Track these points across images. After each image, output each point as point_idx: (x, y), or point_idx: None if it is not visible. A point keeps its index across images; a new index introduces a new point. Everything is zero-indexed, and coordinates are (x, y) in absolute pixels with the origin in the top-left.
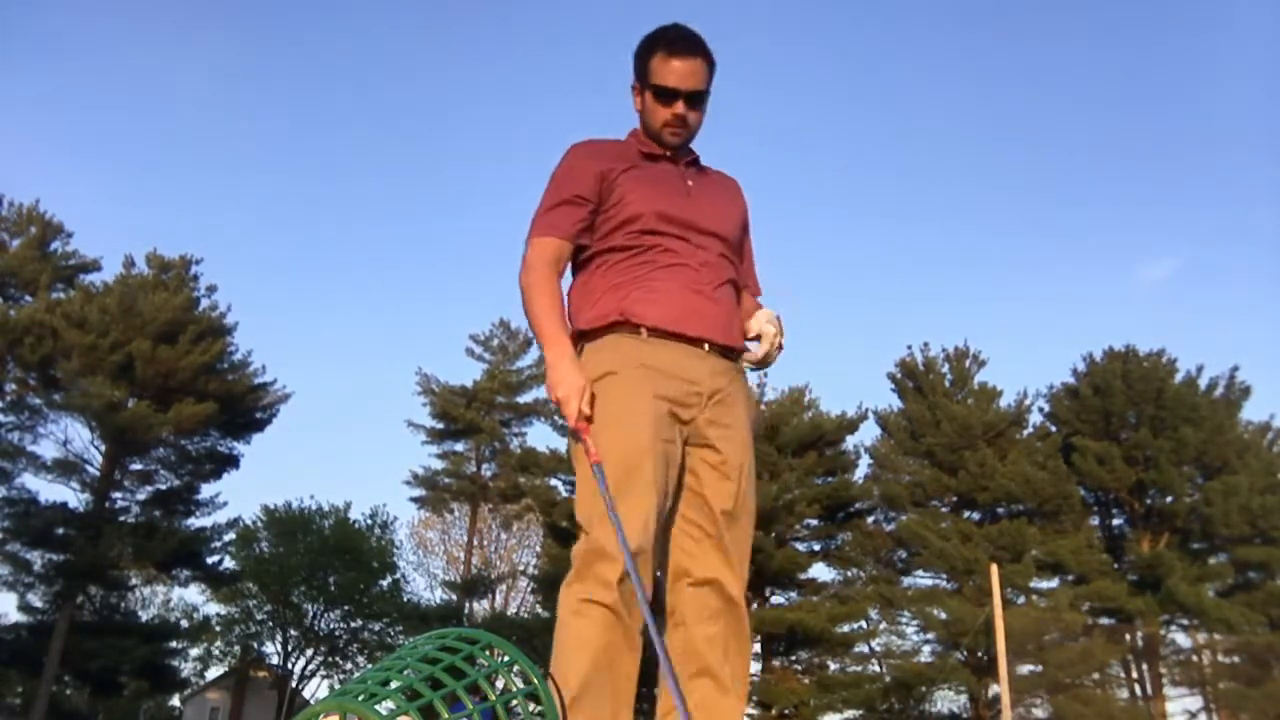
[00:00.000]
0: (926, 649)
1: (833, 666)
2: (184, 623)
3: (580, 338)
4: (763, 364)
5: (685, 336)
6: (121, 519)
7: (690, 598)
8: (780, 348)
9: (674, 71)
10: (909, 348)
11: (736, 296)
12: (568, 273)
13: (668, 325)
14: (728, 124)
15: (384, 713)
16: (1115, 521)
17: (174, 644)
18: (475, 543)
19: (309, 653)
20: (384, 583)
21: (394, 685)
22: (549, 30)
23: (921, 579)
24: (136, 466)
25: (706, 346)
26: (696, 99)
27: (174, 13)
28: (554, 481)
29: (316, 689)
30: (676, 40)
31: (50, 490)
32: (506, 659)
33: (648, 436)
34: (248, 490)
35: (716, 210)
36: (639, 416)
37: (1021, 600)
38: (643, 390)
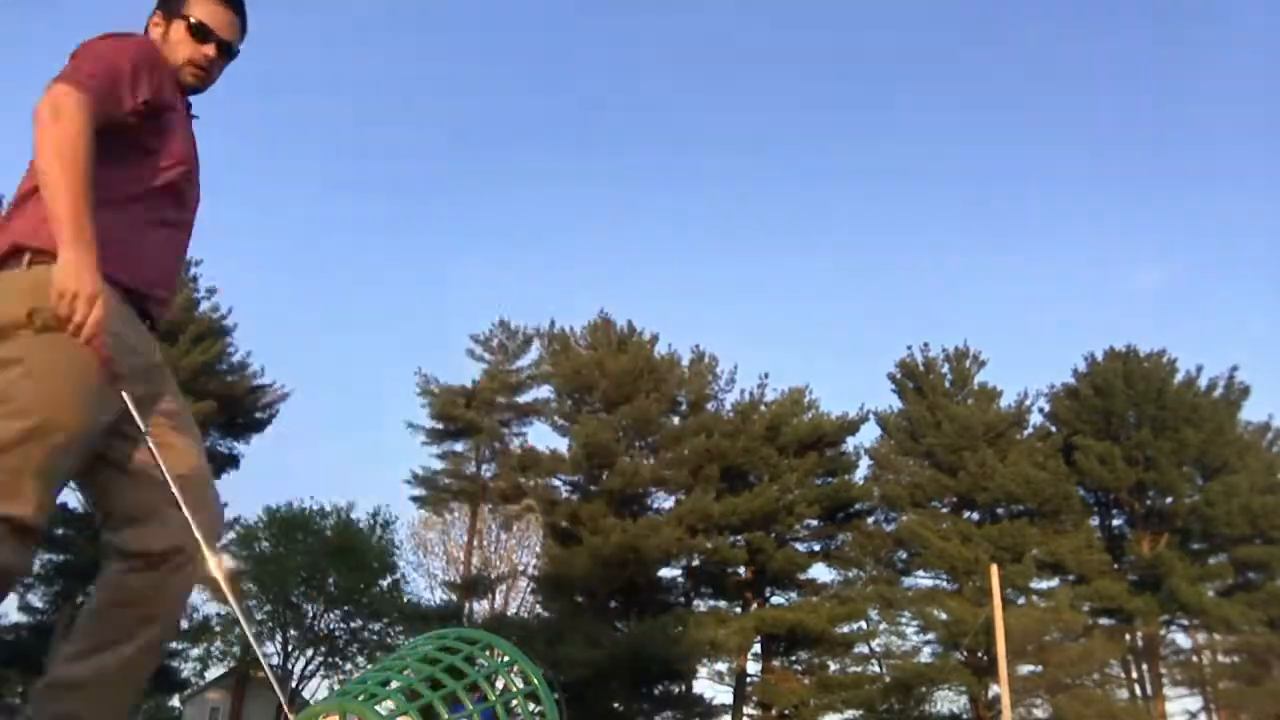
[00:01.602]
0: (926, 649)
1: (833, 667)
2: (183, 623)
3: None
4: None
5: (137, 290)
6: None
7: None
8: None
9: (217, 15)
10: (909, 348)
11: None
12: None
13: (143, 287)
14: (729, 124)
15: (384, 713)
16: (1115, 521)
17: (174, 644)
18: (475, 543)
19: (309, 653)
20: (384, 583)
21: (394, 686)
22: (548, 26)
23: (922, 579)
24: None
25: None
26: (228, 51)
27: None
28: (554, 482)
29: (316, 689)
30: None
31: None
32: (506, 659)
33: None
34: (248, 490)
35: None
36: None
37: (1022, 600)
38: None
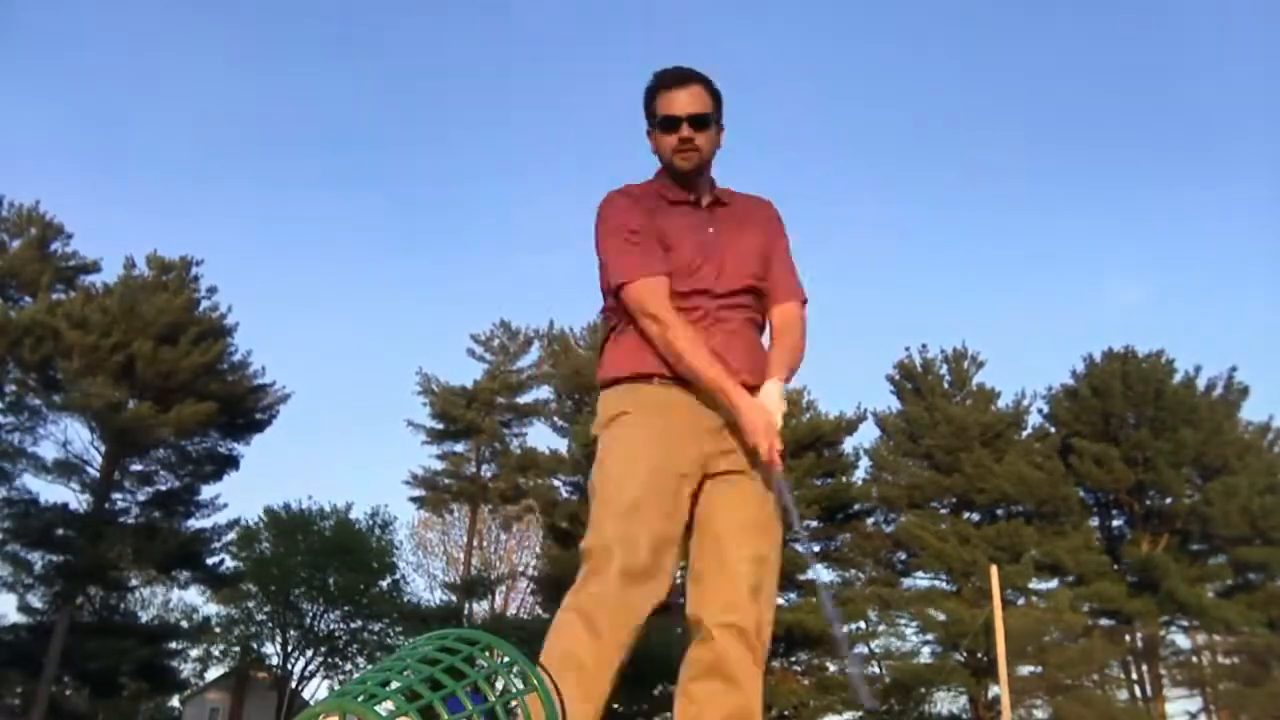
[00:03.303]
0: (926, 650)
1: (832, 668)
2: (184, 624)
3: (602, 386)
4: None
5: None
6: (122, 520)
7: (695, 641)
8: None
9: (672, 100)
10: (907, 349)
11: (758, 333)
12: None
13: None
14: (728, 124)
15: (384, 714)
16: (1115, 522)
17: (174, 645)
18: (475, 543)
19: (309, 653)
20: (384, 583)
21: (394, 686)
22: (549, 30)
23: (920, 580)
24: (137, 467)
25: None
26: (699, 121)
27: (175, 12)
28: (554, 482)
29: (316, 690)
30: (671, 74)
31: (50, 491)
32: (506, 660)
33: (648, 470)
34: (248, 491)
35: (740, 254)
36: (645, 448)
37: (1021, 601)
38: (652, 426)
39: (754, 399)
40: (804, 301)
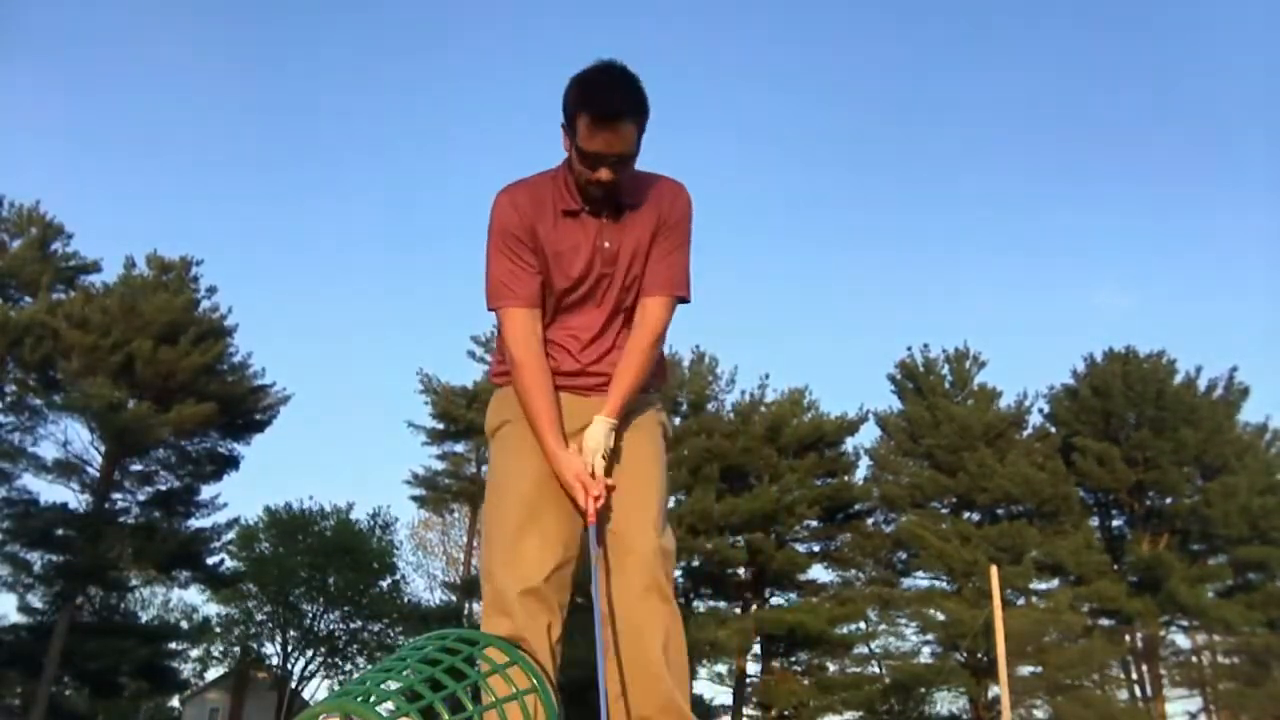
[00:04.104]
0: (926, 650)
1: (832, 668)
2: (184, 624)
3: (493, 387)
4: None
5: (563, 373)
6: (121, 520)
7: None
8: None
9: (598, 138)
10: (909, 349)
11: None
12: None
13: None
14: (728, 126)
15: (384, 714)
16: (1115, 522)
17: (174, 645)
18: (475, 544)
19: (309, 653)
20: (384, 584)
21: (394, 686)
22: (554, 30)
23: (921, 580)
24: (137, 467)
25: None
26: (623, 162)
27: (175, 13)
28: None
29: (316, 690)
30: (602, 104)
31: (50, 491)
32: (506, 660)
33: (535, 477)
34: (248, 491)
35: (629, 266)
36: (528, 459)
37: (1021, 601)
38: (528, 436)
39: (567, 454)
40: (676, 297)
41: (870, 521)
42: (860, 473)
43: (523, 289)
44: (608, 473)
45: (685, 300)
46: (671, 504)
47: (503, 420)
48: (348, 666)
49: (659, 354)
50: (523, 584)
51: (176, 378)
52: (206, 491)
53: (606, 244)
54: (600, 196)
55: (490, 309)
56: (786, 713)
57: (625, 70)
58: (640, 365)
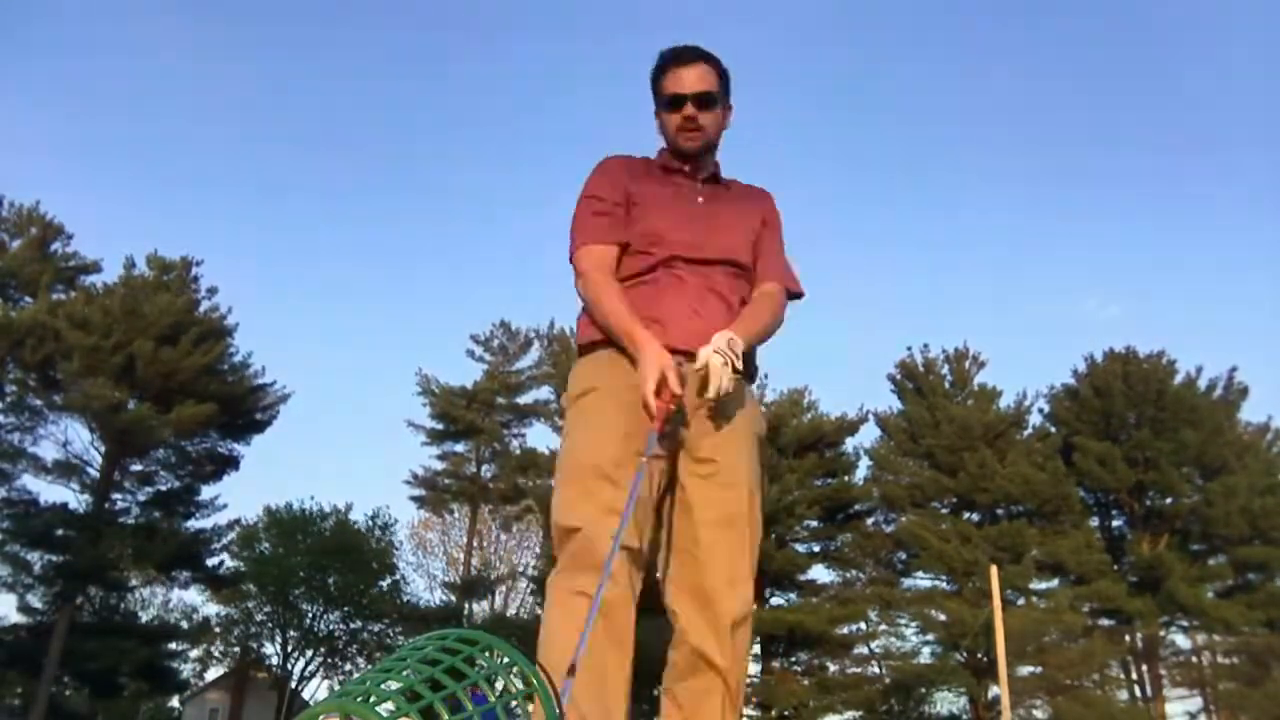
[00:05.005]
0: (926, 650)
1: (832, 668)
2: (184, 624)
3: (579, 352)
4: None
5: (673, 350)
6: (122, 520)
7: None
8: (728, 375)
9: (678, 79)
10: (909, 349)
11: (732, 310)
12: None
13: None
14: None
15: (384, 714)
16: (1115, 522)
17: (174, 645)
18: (475, 544)
19: (309, 653)
20: (384, 584)
21: (394, 686)
22: (555, 30)
23: (921, 580)
24: (137, 468)
25: (691, 360)
26: (704, 100)
27: (175, 13)
28: (554, 482)
29: (316, 690)
30: (677, 53)
31: (50, 491)
32: (506, 660)
33: (616, 448)
34: (248, 491)
35: (725, 228)
36: (611, 429)
37: (1021, 601)
38: (619, 403)
39: (659, 349)
40: (792, 292)
41: (870, 521)
42: (860, 473)
43: (603, 231)
44: (700, 453)
45: (800, 295)
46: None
47: (587, 387)
48: (348, 666)
49: (772, 330)
50: (607, 539)
51: (177, 378)
52: (206, 492)
53: (701, 200)
54: (694, 145)
55: (571, 250)
56: (786, 713)
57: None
58: (764, 319)
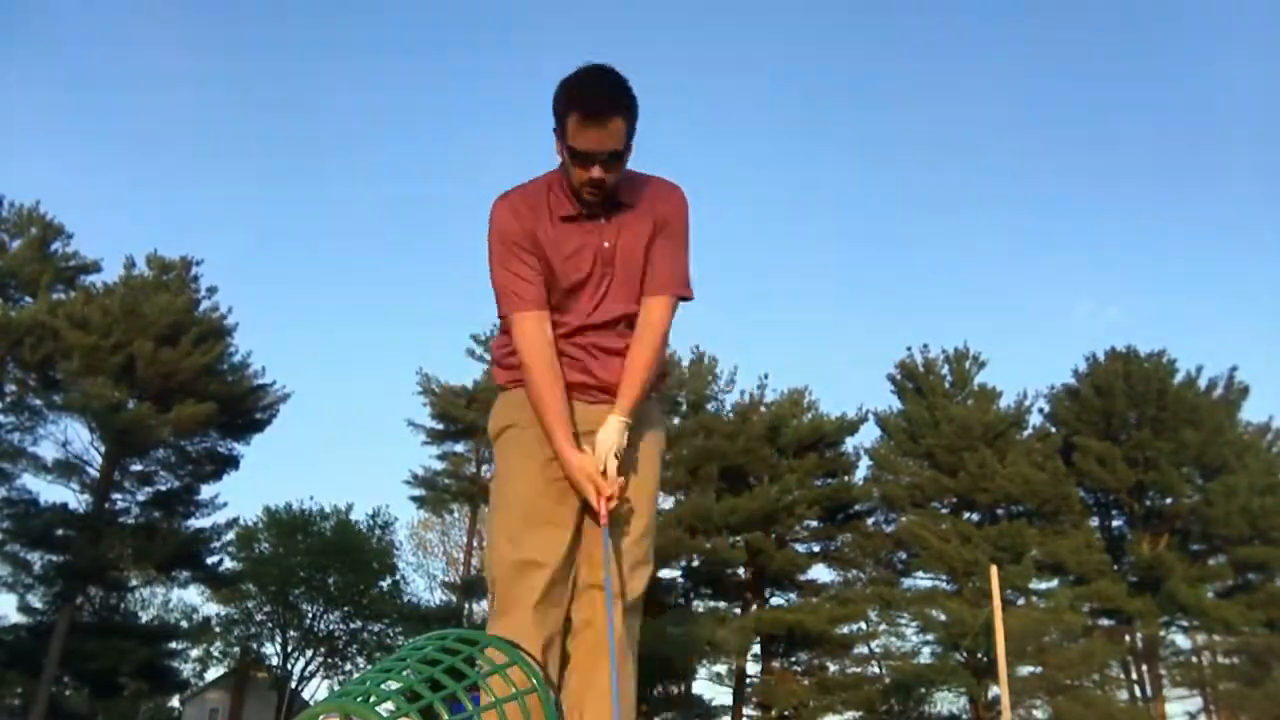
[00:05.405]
0: (926, 650)
1: (832, 668)
2: (184, 624)
3: (499, 389)
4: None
5: (577, 397)
6: (121, 520)
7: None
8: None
9: (589, 138)
10: (908, 349)
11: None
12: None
13: None
14: (729, 125)
15: (384, 714)
16: (1115, 522)
17: (174, 645)
18: (475, 544)
19: (309, 653)
20: (384, 584)
21: (394, 686)
22: (553, 32)
23: (921, 580)
24: (136, 467)
25: (590, 398)
26: (613, 157)
27: (176, 14)
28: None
29: (316, 690)
30: (590, 102)
31: (50, 491)
32: (506, 660)
33: (540, 481)
34: (248, 491)
35: (628, 279)
36: (534, 462)
37: (1021, 601)
38: (537, 434)
39: (578, 454)
40: (678, 296)
41: (870, 521)
42: (860, 473)
43: (530, 294)
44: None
45: (687, 298)
46: (671, 504)
47: (508, 423)
48: (348, 666)
49: (663, 354)
50: (530, 590)
51: (177, 378)
52: (206, 491)
53: (605, 244)
54: (595, 200)
55: (501, 315)
56: (786, 713)
57: (612, 70)
58: (648, 364)
